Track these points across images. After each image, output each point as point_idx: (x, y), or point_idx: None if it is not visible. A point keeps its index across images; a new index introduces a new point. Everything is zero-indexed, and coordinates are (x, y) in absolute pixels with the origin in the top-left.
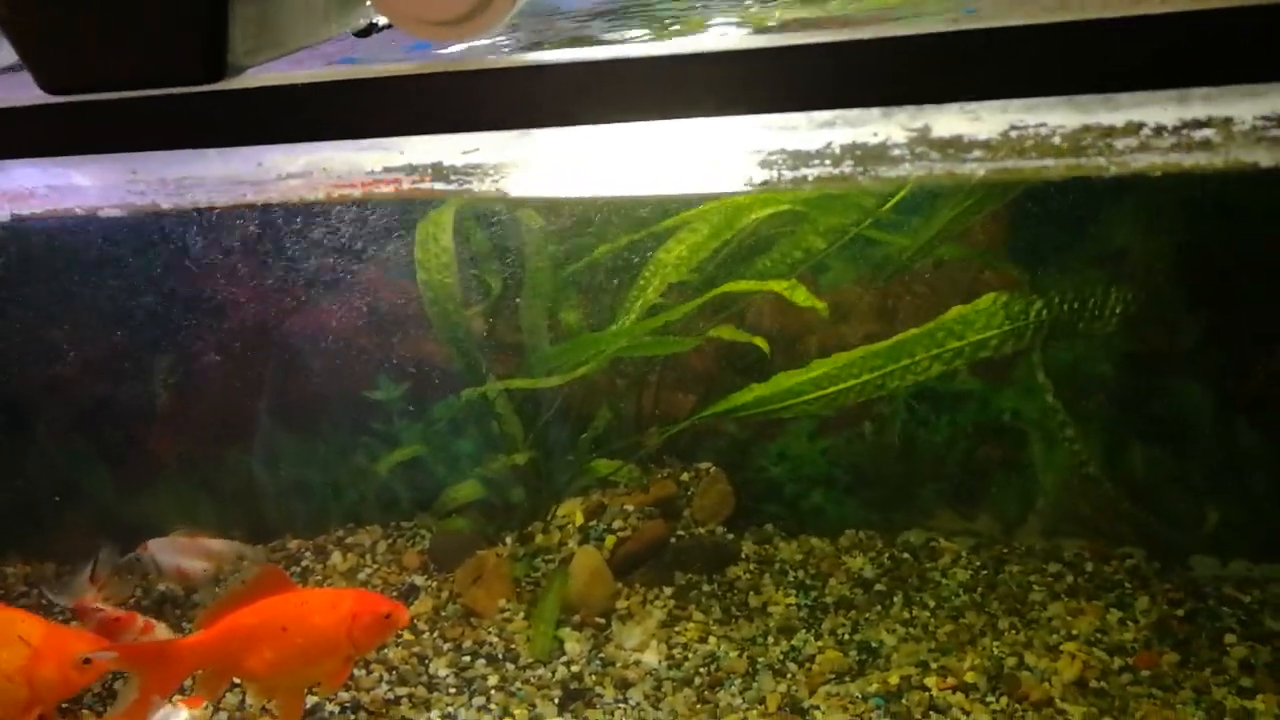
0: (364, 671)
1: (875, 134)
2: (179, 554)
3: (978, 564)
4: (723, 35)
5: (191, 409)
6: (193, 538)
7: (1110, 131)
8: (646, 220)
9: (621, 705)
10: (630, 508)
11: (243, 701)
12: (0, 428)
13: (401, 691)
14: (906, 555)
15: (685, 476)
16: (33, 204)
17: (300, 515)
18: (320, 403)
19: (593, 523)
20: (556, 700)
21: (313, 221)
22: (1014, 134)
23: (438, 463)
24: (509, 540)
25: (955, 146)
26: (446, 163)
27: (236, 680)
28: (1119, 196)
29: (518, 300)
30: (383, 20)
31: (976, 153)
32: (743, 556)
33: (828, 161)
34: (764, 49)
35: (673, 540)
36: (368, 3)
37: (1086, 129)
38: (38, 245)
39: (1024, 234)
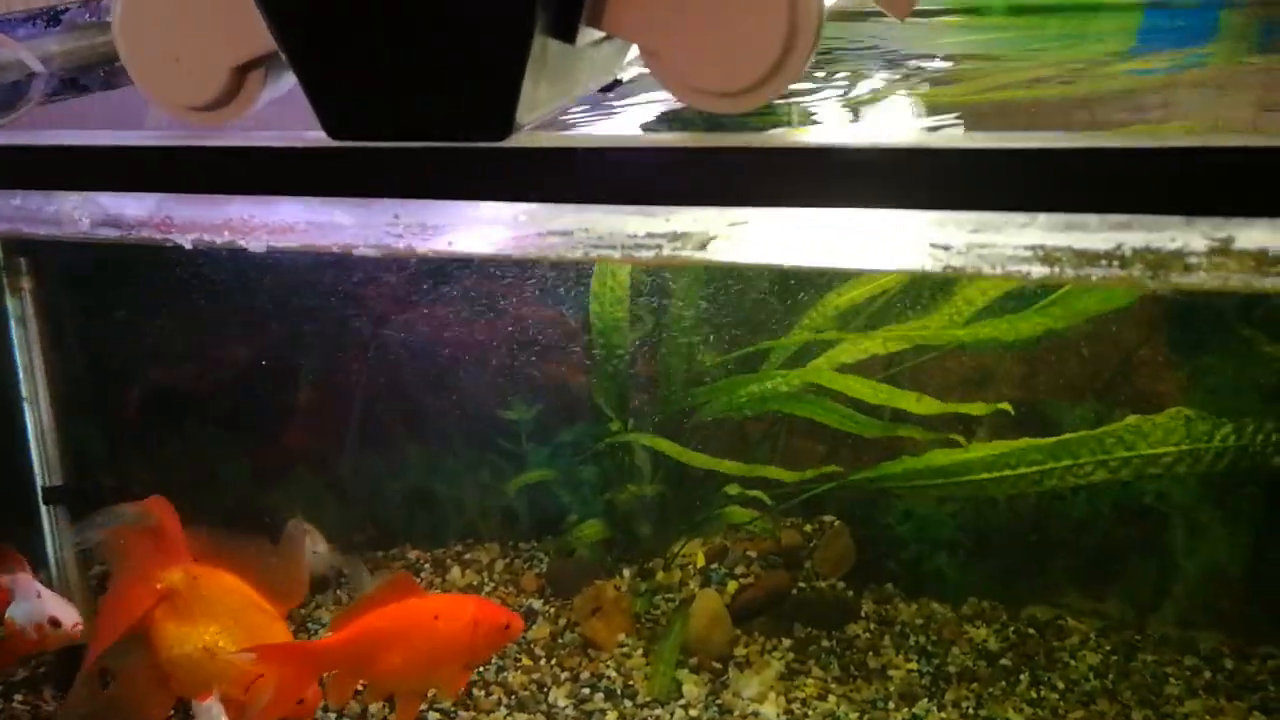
0: (484, 693)
1: (1173, 239)
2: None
3: (1108, 648)
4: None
5: (326, 411)
6: (307, 528)
7: None
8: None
9: None
10: (753, 554)
11: (364, 711)
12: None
13: (521, 717)
14: (1032, 631)
15: (808, 528)
16: (290, 238)
17: (419, 526)
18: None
19: (714, 565)
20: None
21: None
22: None
23: (563, 488)
24: (627, 573)
25: (1258, 260)
26: (711, 231)
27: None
28: None
29: (661, 337)
30: (626, 76)
31: (1277, 269)
32: (862, 615)
33: (1116, 264)
34: (1063, 149)
35: (793, 591)
36: (627, 59)
37: None
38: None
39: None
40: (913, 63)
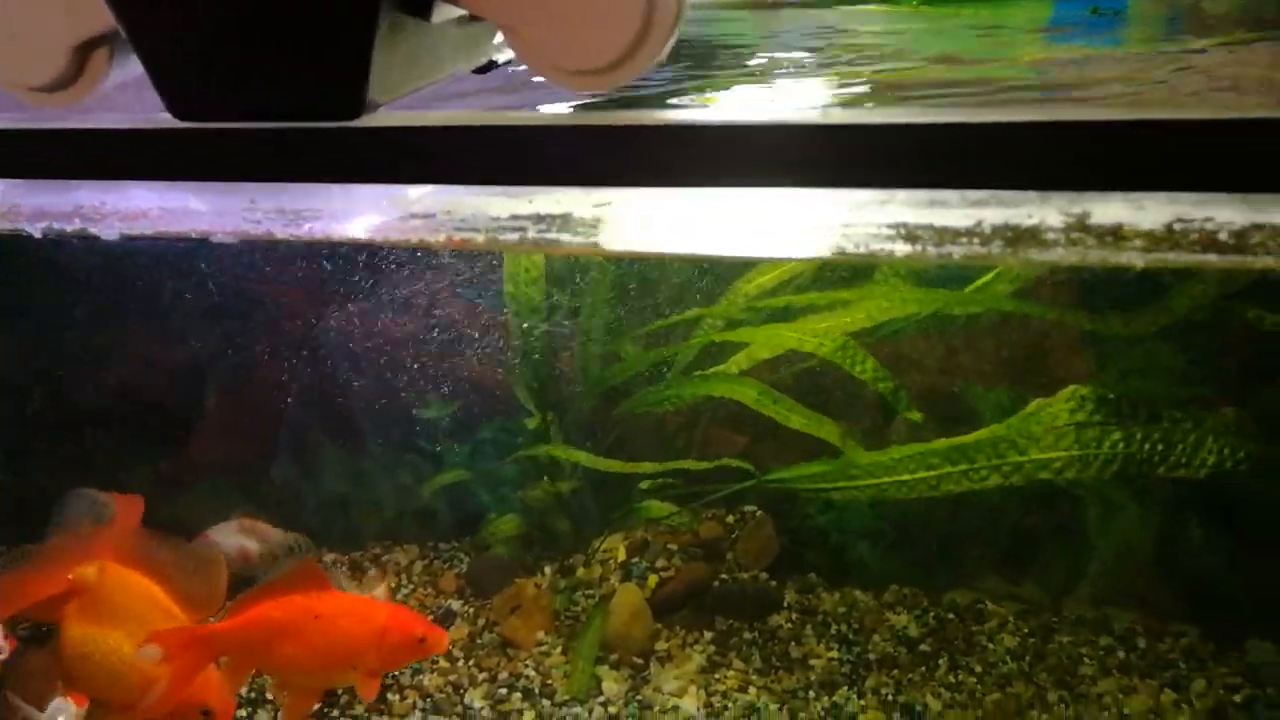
0: (398, 697)
1: (1030, 216)
2: (241, 536)
3: (1025, 631)
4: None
5: (242, 420)
6: (253, 521)
7: None
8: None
9: None
10: (674, 547)
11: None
12: (54, 425)
13: None
14: (952, 616)
15: (730, 519)
16: (143, 224)
17: (337, 529)
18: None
19: (635, 559)
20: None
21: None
22: (1178, 226)
23: (480, 487)
24: (548, 570)
25: (1115, 235)
26: (577, 214)
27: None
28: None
29: (578, 324)
30: (502, 58)
31: (1136, 243)
32: (785, 605)
33: (976, 240)
34: (926, 124)
35: (715, 584)
36: (495, 40)
37: (1257, 227)
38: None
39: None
40: (813, 46)
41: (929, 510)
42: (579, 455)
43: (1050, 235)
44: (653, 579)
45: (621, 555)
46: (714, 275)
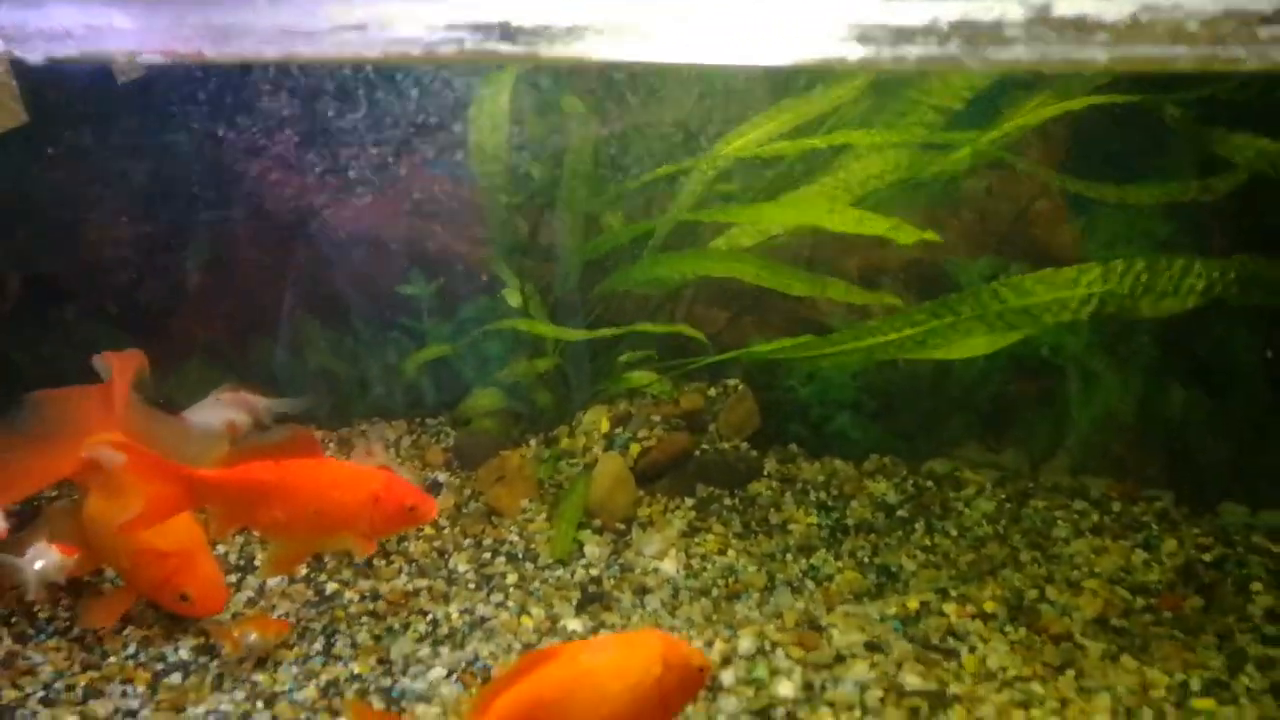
0: (384, 562)
1: (990, 9)
2: (227, 410)
3: (1002, 496)
4: None
5: (218, 294)
6: (237, 392)
7: (1256, 19)
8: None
9: (639, 610)
10: (656, 418)
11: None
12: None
13: (421, 584)
14: (930, 484)
15: (712, 391)
16: (69, 45)
17: (323, 405)
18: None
19: (618, 430)
20: (574, 602)
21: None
22: (1145, 17)
23: (464, 363)
24: (533, 443)
25: (1078, 28)
26: (514, 23)
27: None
28: None
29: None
30: None
31: (1101, 36)
32: (765, 474)
33: (933, 39)
34: None
35: (697, 453)
36: None
37: (1228, 14)
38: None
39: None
40: None
41: (911, 381)
42: (566, 331)
43: (1011, 31)
44: (635, 448)
45: (604, 427)
46: (693, 136)
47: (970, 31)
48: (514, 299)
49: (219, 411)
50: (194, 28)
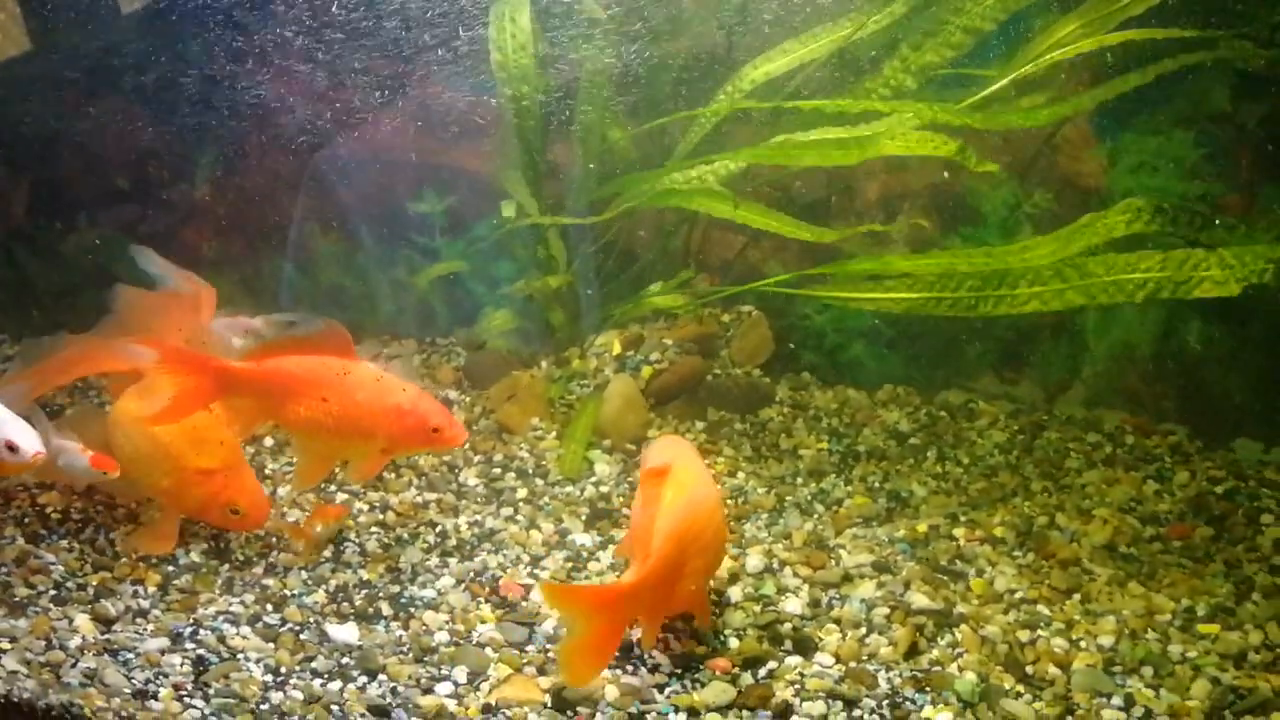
0: (393, 475)
1: None
2: (230, 333)
3: (1016, 428)
4: None
5: (228, 208)
6: (231, 317)
7: None
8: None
9: None
10: (669, 342)
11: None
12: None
13: (430, 497)
14: (944, 414)
15: (726, 317)
16: None
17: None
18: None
19: (630, 353)
20: (583, 517)
21: None
22: None
23: (477, 280)
24: (544, 364)
25: None
26: None
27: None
28: None
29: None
30: None
31: None
32: (777, 400)
33: None
34: None
35: (709, 378)
36: None
37: None
38: None
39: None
40: None
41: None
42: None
43: None
44: (647, 370)
45: (617, 349)
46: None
47: None
48: (509, 210)
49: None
50: None
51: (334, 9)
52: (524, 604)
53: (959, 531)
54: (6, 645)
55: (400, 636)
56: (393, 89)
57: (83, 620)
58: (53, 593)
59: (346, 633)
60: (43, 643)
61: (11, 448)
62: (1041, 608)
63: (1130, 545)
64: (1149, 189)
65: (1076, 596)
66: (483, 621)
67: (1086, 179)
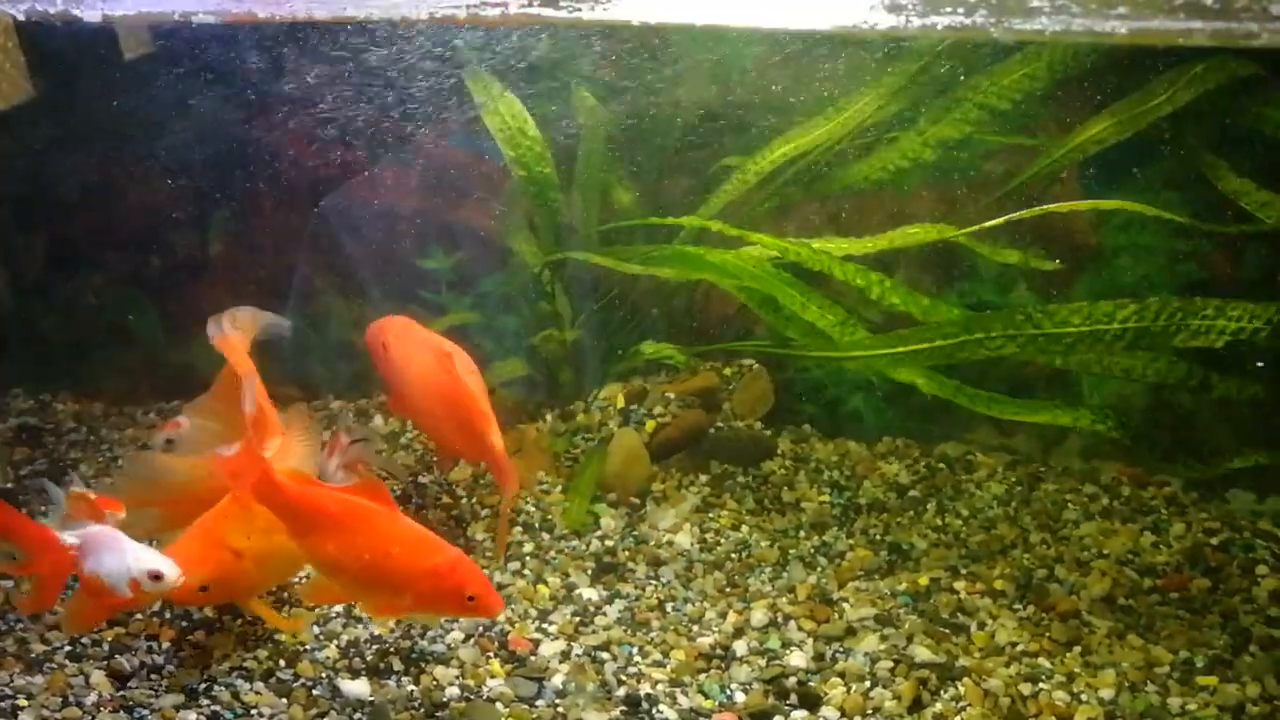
0: None
1: None
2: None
3: (1013, 480)
4: None
5: (242, 258)
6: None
7: None
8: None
9: (653, 582)
10: (671, 395)
11: None
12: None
13: None
14: (942, 466)
15: (727, 371)
16: (125, 4)
17: (342, 378)
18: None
19: (633, 406)
20: (589, 571)
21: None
22: None
23: (485, 335)
24: (549, 417)
25: (1099, 1)
26: None
27: None
28: None
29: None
30: None
31: (1121, 9)
32: (779, 453)
33: (960, 10)
34: None
35: (711, 431)
36: None
37: None
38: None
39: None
40: None
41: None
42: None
43: (1035, 3)
44: (650, 424)
45: (620, 403)
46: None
47: (996, 3)
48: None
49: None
50: None
51: (335, 60)
52: (533, 659)
53: (960, 584)
54: (24, 702)
55: (412, 692)
56: (396, 144)
57: (98, 676)
58: (68, 649)
59: (359, 688)
60: (59, 699)
61: (155, 576)
62: (1043, 660)
63: (1128, 597)
64: (1139, 246)
65: (1077, 649)
66: (492, 676)
67: (1077, 235)
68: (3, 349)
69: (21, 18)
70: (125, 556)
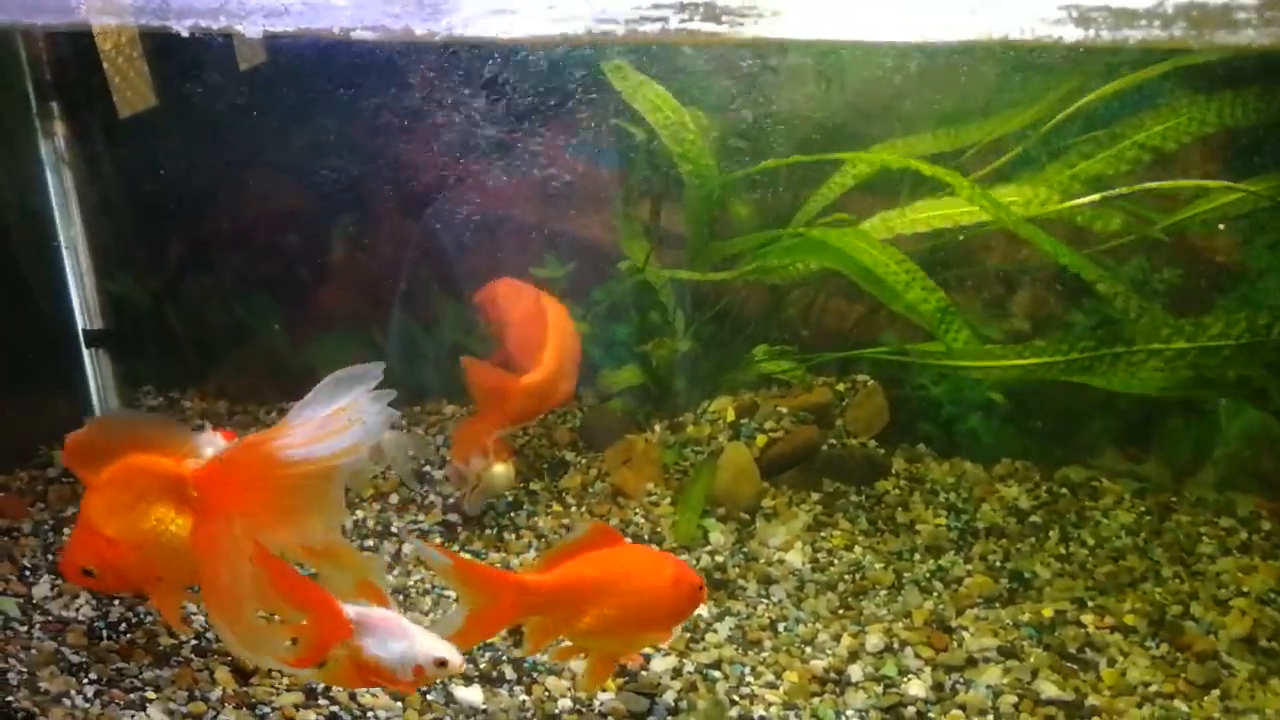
0: (514, 536)
1: None
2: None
3: (1142, 509)
4: None
5: (368, 266)
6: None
7: None
8: None
9: (764, 600)
10: (783, 410)
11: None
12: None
13: None
14: (1065, 491)
15: (841, 386)
16: (286, 21)
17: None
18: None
19: (744, 420)
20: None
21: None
22: None
23: (594, 344)
24: (659, 428)
25: None
26: (719, 2)
27: None
28: None
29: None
30: None
31: None
32: (893, 472)
33: (1156, 23)
34: None
35: (824, 448)
36: None
37: None
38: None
39: None
40: None
41: (1048, 384)
42: None
43: (1242, 15)
44: (761, 439)
45: (730, 416)
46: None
47: (1198, 15)
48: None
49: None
50: (404, 5)
51: (451, 72)
52: (644, 674)
53: (1087, 617)
54: (152, 695)
55: (524, 701)
56: (510, 154)
57: (222, 673)
58: (194, 643)
59: (472, 695)
60: (185, 693)
61: (441, 663)
62: (1178, 703)
63: (1271, 639)
64: None
65: (1215, 692)
66: (604, 690)
67: (1217, 254)
68: (135, 348)
69: (185, 34)
70: (413, 645)
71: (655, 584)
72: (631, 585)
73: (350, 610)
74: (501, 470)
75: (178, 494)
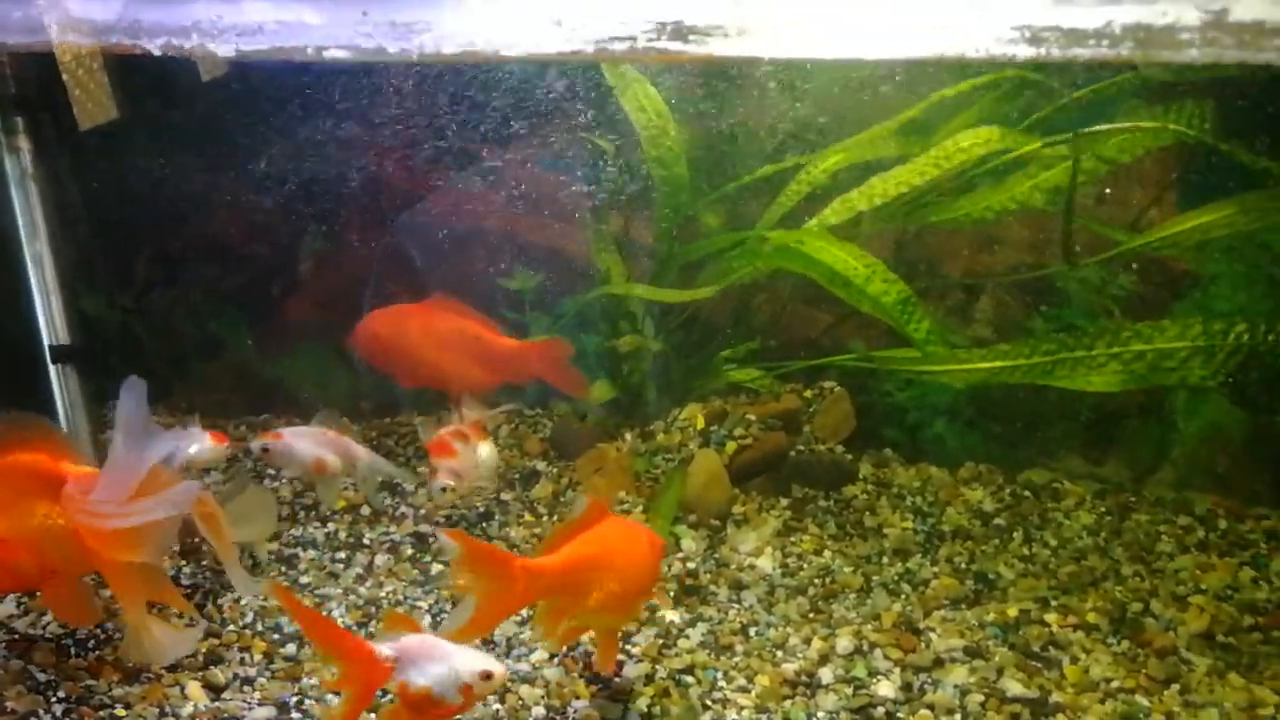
0: None
1: (1164, 14)
2: (321, 447)
3: (1103, 509)
4: None
5: (337, 279)
6: (340, 435)
7: None
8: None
9: (735, 605)
10: (752, 417)
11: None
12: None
13: None
14: (1028, 493)
15: (808, 393)
16: (259, 40)
17: (426, 393)
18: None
19: (714, 428)
20: (671, 593)
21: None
22: None
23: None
24: (629, 436)
25: (1253, 33)
26: (687, 21)
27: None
28: None
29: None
30: None
31: (1277, 41)
32: (860, 477)
33: (1105, 43)
34: None
35: (792, 454)
36: None
37: None
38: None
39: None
40: None
41: (1010, 389)
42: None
43: (1185, 35)
44: (731, 446)
45: (700, 424)
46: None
47: (1144, 35)
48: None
49: (313, 446)
50: (377, 24)
51: (407, 84)
52: (617, 680)
53: (1051, 616)
54: (122, 712)
55: (498, 711)
56: (480, 166)
57: (194, 688)
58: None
59: None
60: (156, 710)
61: (487, 676)
62: (1140, 698)
63: (1229, 634)
64: (1238, 274)
65: (1175, 687)
66: (577, 697)
67: (1174, 260)
68: (102, 363)
69: (158, 52)
70: (453, 662)
71: (640, 551)
72: (624, 557)
73: (385, 649)
74: (487, 449)
75: (57, 491)
